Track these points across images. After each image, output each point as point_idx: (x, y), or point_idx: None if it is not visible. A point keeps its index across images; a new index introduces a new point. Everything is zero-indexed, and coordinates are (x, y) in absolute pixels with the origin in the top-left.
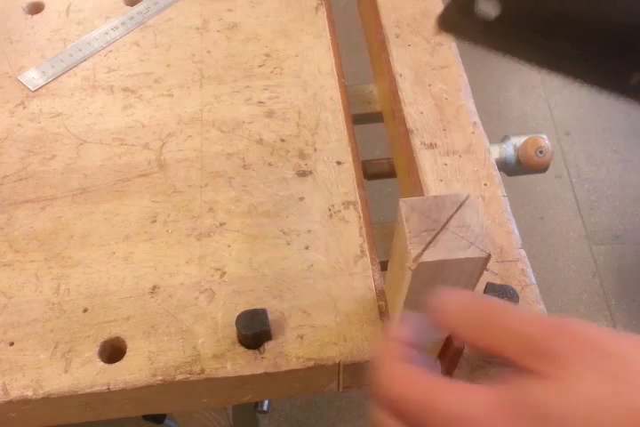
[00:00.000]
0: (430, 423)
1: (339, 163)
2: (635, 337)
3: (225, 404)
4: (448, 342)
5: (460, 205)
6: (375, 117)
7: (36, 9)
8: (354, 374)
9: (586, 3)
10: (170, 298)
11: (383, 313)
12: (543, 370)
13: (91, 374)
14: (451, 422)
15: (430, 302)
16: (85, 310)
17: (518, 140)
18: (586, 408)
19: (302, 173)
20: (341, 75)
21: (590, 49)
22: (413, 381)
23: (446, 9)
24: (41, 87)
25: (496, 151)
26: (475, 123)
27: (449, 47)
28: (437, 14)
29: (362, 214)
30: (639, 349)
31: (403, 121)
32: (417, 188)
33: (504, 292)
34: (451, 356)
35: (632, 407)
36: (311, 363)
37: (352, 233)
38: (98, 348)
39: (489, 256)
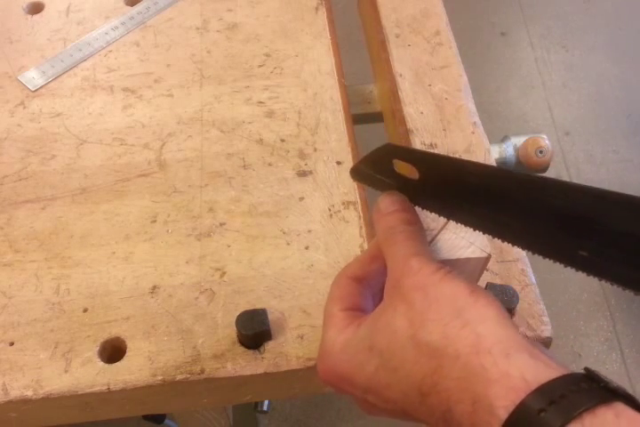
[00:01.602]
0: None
1: (339, 163)
2: (460, 290)
3: (225, 404)
4: None
5: None
6: (375, 117)
7: (35, 9)
8: None
9: (510, 182)
10: (170, 298)
11: None
12: (390, 300)
13: (91, 374)
14: (321, 344)
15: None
16: (85, 310)
17: (518, 141)
18: (390, 336)
19: (302, 173)
20: (341, 75)
21: (530, 223)
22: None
23: (360, 162)
24: (41, 87)
25: (496, 151)
26: (475, 123)
27: (449, 47)
28: (352, 165)
29: (362, 214)
30: (455, 298)
31: (403, 121)
32: None
33: (504, 292)
34: None
35: (416, 337)
36: (311, 363)
37: (352, 233)
38: (98, 348)
39: (489, 256)
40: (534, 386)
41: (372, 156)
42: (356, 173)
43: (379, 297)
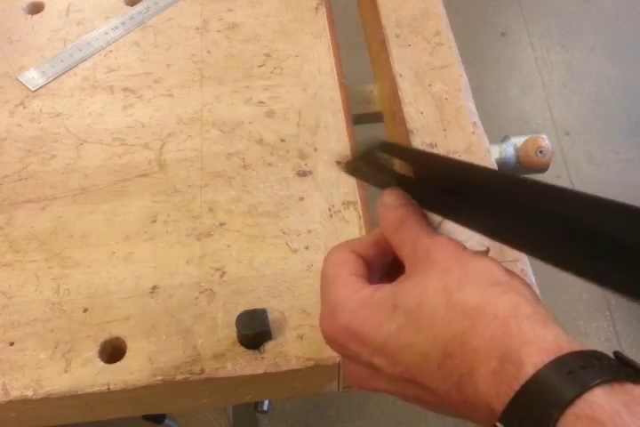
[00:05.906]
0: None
1: (339, 163)
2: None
3: (225, 404)
4: None
5: None
6: (375, 117)
7: (35, 9)
8: None
9: (509, 186)
10: (170, 298)
11: None
12: (415, 269)
13: (91, 374)
14: (328, 302)
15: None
16: (85, 310)
17: (518, 141)
18: (422, 295)
19: (302, 173)
20: (341, 75)
21: (525, 226)
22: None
23: (355, 159)
24: (41, 87)
25: (496, 151)
26: (475, 123)
27: (449, 47)
28: (345, 160)
29: (362, 214)
30: (493, 271)
31: (403, 121)
32: None
33: None
34: None
35: (453, 297)
36: (311, 363)
37: (352, 233)
38: (98, 348)
39: (487, 250)
40: (566, 351)
41: (366, 153)
42: (350, 168)
43: (375, 281)
